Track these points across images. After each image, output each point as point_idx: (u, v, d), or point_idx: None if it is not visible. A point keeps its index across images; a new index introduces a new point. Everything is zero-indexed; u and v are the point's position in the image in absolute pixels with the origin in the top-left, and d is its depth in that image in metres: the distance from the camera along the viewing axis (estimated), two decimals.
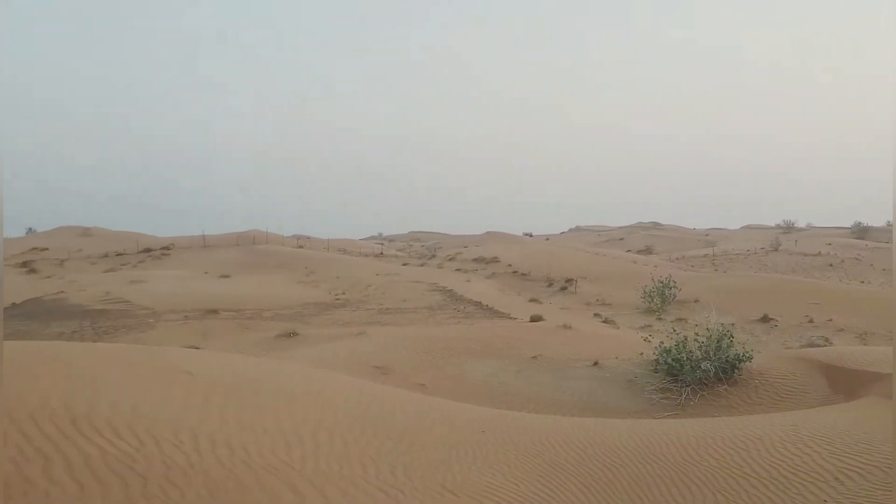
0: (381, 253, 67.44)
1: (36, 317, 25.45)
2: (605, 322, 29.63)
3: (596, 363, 15.51)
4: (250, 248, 55.31)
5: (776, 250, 71.64)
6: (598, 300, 38.05)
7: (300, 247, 62.98)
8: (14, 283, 39.34)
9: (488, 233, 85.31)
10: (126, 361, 7.85)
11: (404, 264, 53.85)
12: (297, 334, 19.56)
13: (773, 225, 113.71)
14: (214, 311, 26.24)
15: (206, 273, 42.51)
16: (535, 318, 25.25)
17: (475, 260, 56.39)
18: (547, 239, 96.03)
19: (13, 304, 29.59)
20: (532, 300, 37.27)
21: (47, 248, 57.08)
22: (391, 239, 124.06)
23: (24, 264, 47.55)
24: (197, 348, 15.24)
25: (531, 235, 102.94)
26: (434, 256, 65.42)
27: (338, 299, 32.79)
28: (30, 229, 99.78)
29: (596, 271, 47.68)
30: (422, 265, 54.54)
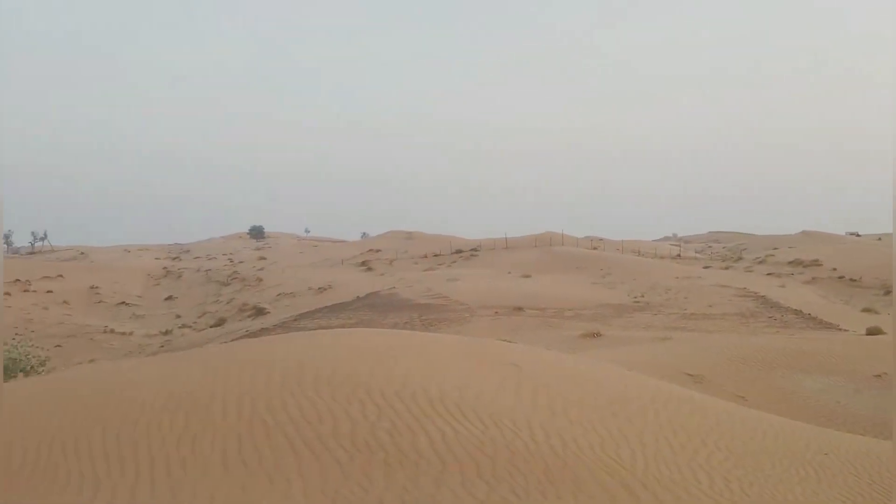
0: (679, 255, 64.23)
1: (375, 308, 29.84)
2: None
3: None
4: (547, 250, 57.16)
5: None
6: None
7: (594, 248, 63.17)
8: (357, 279, 46.66)
9: (804, 232, 75.97)
10: (461, 351, 8.79)
11: (706, 267, 50.60)
12: (601, 335, 19.71)
13: None
14: (520, 309, 27.79)
15: (509, 273, 45.10)
16: (873, 331, 21.75)
17: (790, 263, 50.48)
18: (879, 239, 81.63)
19: (357, 297, 35.15)
20: (865, 310, 32.10)
21: (380, 250, 66.24)
22: (687, 240, 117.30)
23: (363, 263, 56.24)
24: (510, 342, 16.32)
25: (858, 235, 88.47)
26: (740, 259, 60.21)
27: (637, 302, 32.17)
28: (364, 233, 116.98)
29: None
30: (726, 268, 50.63)
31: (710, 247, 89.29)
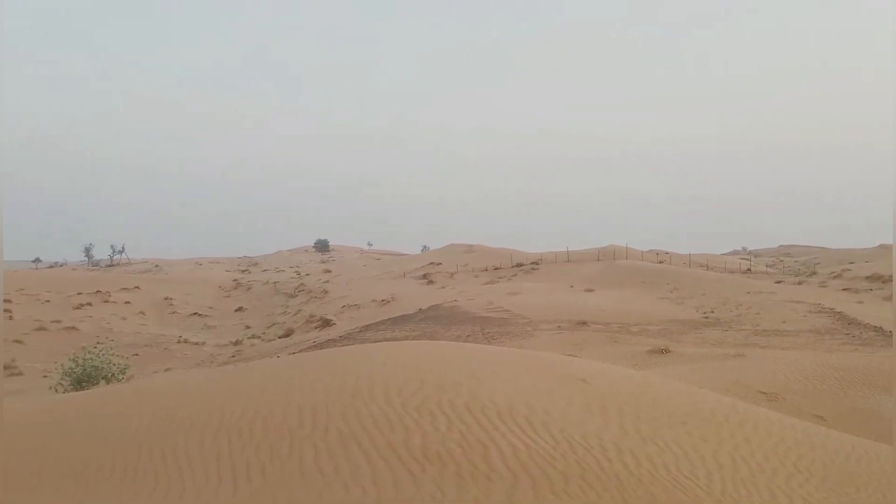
0: (749, 269, 62.06)
1: (437, 321, 29.98)
2: None
3: None
4: (611, 264, 56.17)
5: None
6: None
7: (660, 262, 61.72)
8: (419, 291, 47.08)
9: (881, 245, 72.18)
10: (528, 365, 8.75)
11: (778, 282, 48.70)
12: (669, 351, 19.22)
13: None
14: (584, 323, 27.37)
15: (572, 286, 44.53)
16: None
17: (868, 278, 47.99)
18: None
19: (419, 309, 35.42)
20: None
21: (440, 263, 66.59)
22: (757, 253, 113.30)
23: (424, 276, 56.62)
24: (575, 357, 16.11)
25: None
26: (814, 273, 57.68)
27: (706, 318, 31.22)
28: (425, 247, 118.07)
29: None
30: (799, 283, 48.58)
31: (781, 261, 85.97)
